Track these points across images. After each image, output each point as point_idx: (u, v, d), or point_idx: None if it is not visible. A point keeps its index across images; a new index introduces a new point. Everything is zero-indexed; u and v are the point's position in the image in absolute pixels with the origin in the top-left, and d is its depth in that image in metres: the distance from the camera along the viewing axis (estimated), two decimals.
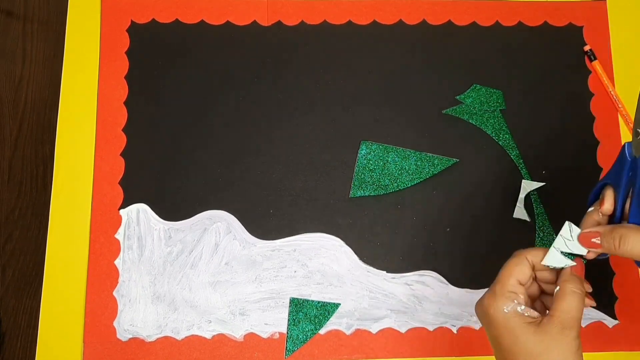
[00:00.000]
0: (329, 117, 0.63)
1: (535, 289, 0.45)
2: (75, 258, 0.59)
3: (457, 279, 0.60)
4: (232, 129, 0.62)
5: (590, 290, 0.44)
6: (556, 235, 0.44)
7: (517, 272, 0.42)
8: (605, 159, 0.64)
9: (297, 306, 0.58)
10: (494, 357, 0.43)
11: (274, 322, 0.58)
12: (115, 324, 0.57)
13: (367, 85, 0.64)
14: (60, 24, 1.38)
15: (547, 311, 0.41)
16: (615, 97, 0.65)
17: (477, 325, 0.59)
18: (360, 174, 0.62)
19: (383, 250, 0.60)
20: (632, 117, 0.65)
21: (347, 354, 0.58)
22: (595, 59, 0.66)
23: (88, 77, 0.63)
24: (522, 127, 0.64)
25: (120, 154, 0.61)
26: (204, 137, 0.62)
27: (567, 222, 0.44)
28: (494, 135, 0.64)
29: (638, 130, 0.44)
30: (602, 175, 0.63)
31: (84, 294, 0.58)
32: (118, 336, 0.57)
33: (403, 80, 0.65)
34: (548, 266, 0.43)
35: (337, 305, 0.59)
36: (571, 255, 0.43)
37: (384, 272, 0.60)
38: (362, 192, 0.61)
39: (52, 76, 1.36)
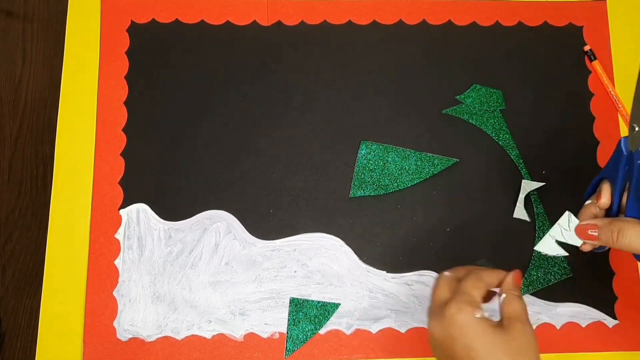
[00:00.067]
0: (329, 117, 0.63)
1: None
2: (75, 258, 0.59)
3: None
4: (232, 129, 0.62)
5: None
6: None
7: (479, 286, 0.46)
8: (605, 159, 0.64)
9: (297, 306, 0.58)
10: None
11: (274, 322, 0.58)
12: (115, 324, 0.57)
13: (367, 85, 0.64)
14: (60, 24, 1.38)
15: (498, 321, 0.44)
16: (615, 97, 0.65)
17: None
18: (360, 174, 0.62)
19: (383, 250, 0.60)
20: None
21: (347, 354, 0.58)
22: (595, 59, 0.66)
23: (88, 77, 0.63)
24: (522, 127, 0.64)
25: (120, 154, 0.61)
26: (204, 137, 0.62)
27: (566, 212, 0.45)
28: (494, 135, 0.64)
29: (634, 125, 0.44)
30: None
31: (84, 294, 0.58)
32: (118, 336, 0.57)
33: (403, 80, 0.65)
34: (540, 252, 0.44)
35: (337, 305, 0.59)
36: (565, 245, 0.44)
37: (384, 272, 0.60)
38: (362, 192, 0.61)
39: (52, 76, 1.36)
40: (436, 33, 0.66)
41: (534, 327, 0.59)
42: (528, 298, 0.60)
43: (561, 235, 0.44)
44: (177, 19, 0.65)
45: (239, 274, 0.59)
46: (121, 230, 0.59)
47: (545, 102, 0.65)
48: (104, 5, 0.65)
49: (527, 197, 0.62)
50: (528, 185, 0.62)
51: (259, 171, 0.62)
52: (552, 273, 0.60)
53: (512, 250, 0.61)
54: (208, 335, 0.57)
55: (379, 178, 0.62)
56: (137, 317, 0.57)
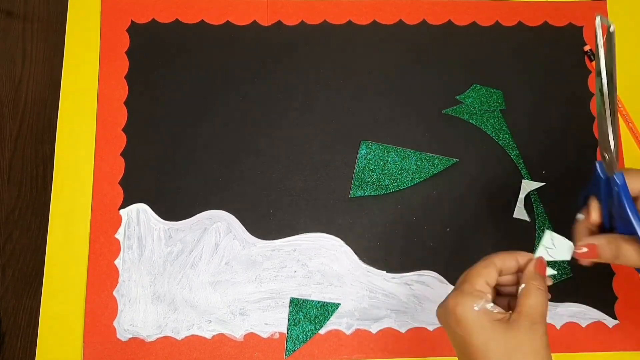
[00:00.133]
0: (329, 117, 0.63)
1: (493, 294, 0.45)
2: (75, 258, 0.59)
3: (457, 279, 0.60)
4: (232, 129, 0.62)
5: (555, 272, 0.45)
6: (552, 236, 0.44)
7: (486, 274, 0.42)
8: None
9: (297, 306, 0.58)
10: None
11: (274, 322, 0.58)
12: (115, 324, 0.57)
13: (367, 85, 0.64)
14: (60, 24, 1.38)
15: (509, 313, 0.41)
16: None
17: None
18: (360, 174, 0.62)
19: (383, 250, 0.60)
20: (632, 117, 0.65)
21: (347, 354, 0.58)
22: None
23: (88, 77, 0.63)
24: (522, 127, 0.64)
25: (120, 154, 0.61)
26: (204, 137, 0.62)
27: (547, 231, 0.45)
28: (494, 135, 0.64)
29: (604, 154, 0.44)
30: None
31: (84, 294, 0.58)
32: (118, 336, 0.57)
33: (403, 80, 0.65)
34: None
35: (337, 305, 0.59)
36: (554, 262, 0.44)
37: (384, 272, 0.60)
38: (362, 192, 0.61)
39: (52, 76, 1.36)
40: (436, 33, 0.66)
41: None
42: None
43: (548, 255, 0.44)
44: (177, 19, 0.65)
45: (239, 274, 0.59)
46: (121, 230, 0.59)
47: (545, 102, 0.65)
48: (104, 5, 0.65)
49: (527, 197, 0.62)
50: (528, 185, 0.62)
51: (259, 171, 0.62)
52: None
53: (512, 250, 0.61)
54: (208, 335, 0.57)
55: (379, 178, 0.62)
56: (137, 317, 0.57)
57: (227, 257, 0.59)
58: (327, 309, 0.58)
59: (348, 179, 0.62)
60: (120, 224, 0.59)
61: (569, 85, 0.66)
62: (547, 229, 0.61)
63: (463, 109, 0.64)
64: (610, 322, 0.60)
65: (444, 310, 0.42)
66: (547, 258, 0.44)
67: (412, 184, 0.62)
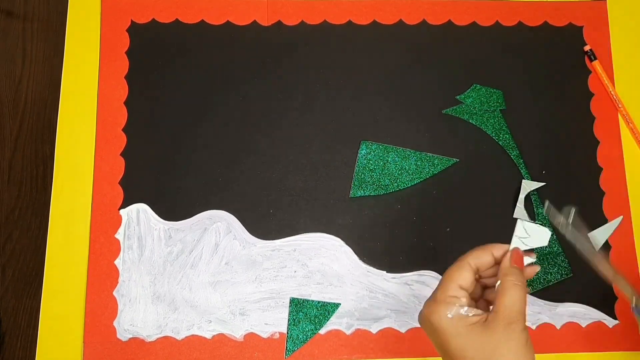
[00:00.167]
0: (329, 117, 0.63)
1: (478, 289, 0.44)
2: (75, 258, 0.59)
3: None
4: (232, 129, 0.62)
5: (534, 259, 0.43)
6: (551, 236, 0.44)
7: (458, 276, 0.41)
8: (605, 159, 0.64)
9: (297, 306, 0.58)
10: None
11: (274, 322, 0.58)
12: (115, 324, 0.57)
13: (367, 85, 0.64)
14: (60, 24, 1.38)
15: (491, 307, 0.40)
16: (615, 97, 0.65)
17: None
18: (360, 174, 0.62)
19: (383, 250, 0.60)
20: (632, 117, 0.65)
21: (347, 354, 0.58)
22: (595, 59, 0.66)
23: (88, 77, 0.63)
24: (522, 127, 0.64)
25: (120, 154, 0.61)
26: (204, 137, 0.62)
27: (519, 221, 0.44)
28: (494, 135, 0.64)
29: (631, 301, 0.45)
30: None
31: (84, 294, 0.58)
32: (118, 336, 0.57)
33: (403, 80, 0.65)
34: (539, 252, 0.43)
35: (337, 305, 0.59)
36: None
37: (384, 272, 0.60)
38: (362, 192, 0.61)
39: (52, 76, 1.36)
40: (436, 33, 0.66)
41: (534, 327, 0.59)
42: (528, 298, 0.60)
43: (523, 244, 0.43)
44: (177, 19, 0.65)
45: (239, 274, 0.59)
46: (121, 230, 0.59)
47: (545, 102, 0.65)
48: (104, 5, 0.65)
49: (527, 197, 0.62)
50: (528, 185, 0.62)
51: (259, 171, 0.62)
52: (552, 273, 0.60)
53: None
54: (208, 335, 0.57)
55: (379, 178, 0.62)
56: (137, 317, 0.57)
57: (227, 257, 0.59)
58: (327, 309, 0.58)
59: (348, 179, 0.62)
60: (120, 224, 0.59)
61: (569, 85, 0.66)
62: (547, 228, 0.61)
63: (463, 109, 0.64)
64: (610, 322, 0.60)
65: (422, 318, 0.42)
66: (523, 248, 0.43)
67: (412, 184, 0.62)
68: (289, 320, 0.58)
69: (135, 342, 0.57)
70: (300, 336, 0.58)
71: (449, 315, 0.40)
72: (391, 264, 0.60)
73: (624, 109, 0.65)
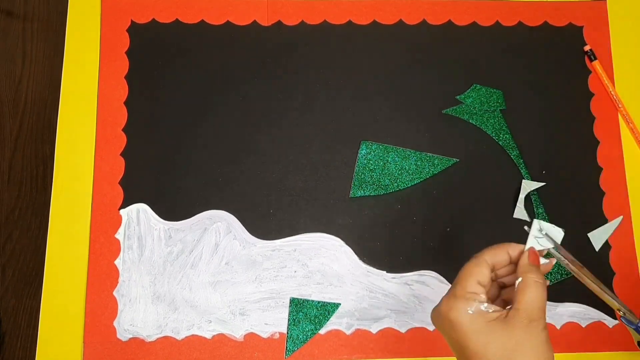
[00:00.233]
0: (329, 117, 0.63)
1: (495, 289, 0.44)
2: (75, 258, 0.59)
3: None
4: (232, 129, 0.62)
5: (547, 259, 0.43)
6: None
7: (477, 272, 0.41)
8: (605, 159, 0.64)
9: (297, 306, 0.58)
10: None
11: (274, 322, 0.58)
12: (115, 324, 0.57)
13: (367, 85, 0.64)
14: (60, 24, 1.38)
15: (508, 307, 0.40)
16: (615, 97, 0.65)
17: None
18: (360, 174, 0.62)
19: (383, 250, 0.60)
20: (632, 117, 0.65)
21: (347, 354, 0.58)
22: (595, 59, 0.66)
23: (88, 77, 0.63)
24: (522, 127, 0.64)
25: (120, 154, 0.61)
26: (204, 137, 0.62)
27: (535, 220, 0.44)
28: (494, 135, 0.64)
29: (618, 311, 0.45)
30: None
31: (84, 294, 0.58)
32: (118, 336, 0.57)
33: (403, 80, 0.65)
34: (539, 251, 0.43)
35: (337, 305, 0.59)
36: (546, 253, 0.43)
37: (384, 272, 0.60)
38: (362, 192, 0.61)
39: (52, 76, 1.36)
40: (436, 33, 0.66)
41: None
42: None
43: (538, 244, 0.43)
44: (177, 19, 0.65)
45: (239, 274, 0.59)
46: (121, 230, 0.59)
47: (545, 102, 0.65)
48: (104, 5, 0.65)
49: (527, 197, 0.62)
50: (528, 185, 0.62)
51: (259, 171, 0.62)
52: (552, 273, 0.60)
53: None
54: (208, 335, 0.57)
55: (379, 178, 0.62)
56: (137, 317, 0.57)
57: (227, 257, 0.59)
58: (327, 309, 0.58)
59: (348, 179, 0.62)
60: (120, 224, 0.59)
61: (569, 85, 0.66)
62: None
63: (463, 109, 0.64)
64: (610, 322, 0.60)
65: (438, 315, 0.41)
66: (538, 248, 0.43)
67: (412, 184, 0.62)
68: (289, 320, 0.58)
69: (135, 342, 0.57)
70: (300, 336, 0.58)
71: (470, 311, 0.39)
72: (391, 264, 0.60)
73: (624, 109, 0.65)
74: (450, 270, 0.60)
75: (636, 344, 0.49)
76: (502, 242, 0.61)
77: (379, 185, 0.61)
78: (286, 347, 0.57)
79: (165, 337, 0.57)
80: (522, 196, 0.62)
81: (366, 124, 0.63)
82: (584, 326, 0.59)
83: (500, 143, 0.64)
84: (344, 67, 0.65)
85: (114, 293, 0.58)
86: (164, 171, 0.61)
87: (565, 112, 0.65)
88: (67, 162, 0.61)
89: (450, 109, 0.64)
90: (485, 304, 0.39)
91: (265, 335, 0.58)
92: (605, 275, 0.61)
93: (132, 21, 0.65)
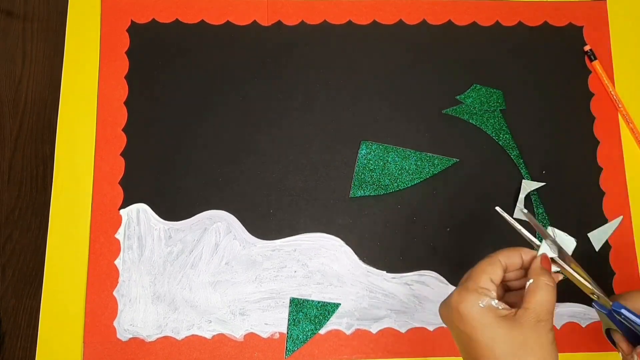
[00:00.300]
0: (329, 117, 0.63)
1: (500, 291, 0.45)
2: (75, 258, 0.59)
3: (457, 279, 0.60)
4: (232, 129, 0.62)
5: (559, 269, 0.45)
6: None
7: (491, 270, 0.42)
8: (605, 159, 0.64)
9: (297, 306, 0.58)
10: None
11: (274, 322, 0.58)
12: (115, 324, 0.57)
13: (367, 85, 0.64)
14: (60, 24, 1.38)
15: (515, 309, 0.41)
16: (615, 97, 0.65)
17: None
18: (360, 174, 0.62)
19: (383, 250, 0.60)
20: (632, 117, 0.65)
21: (347, 354, 0.58)
22: (595, 59, 0.66)
23: (88, 77, 0.63)
24: (522, 127, 0.64)
25: (120, 154, 0.61)
26: (204, 137, 0.62)
27: (549, 227, 0.45)
28: (494, 135, 0.64)
29: (592, 295, 0.46)
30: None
31: (84, 294, 0.58)
32: (118, 336, 0.57)
33: (403, 80, 0.65)
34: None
35: (337, 305, 0.59)
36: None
37: (384, 272, 0.60)
38: (362, 192, 0.61)
39: (52, 76, 1.36)
40: (436, 33, 0.66)
41: None
42: None
43: (550, 251, 0.44)
44: (177, 19, 0.65)
45: (239, 274, 0.59)
46: (121, 230, 0.59)
47: (545, 102, 0.65)
48: (104, 5, 0.65)
49: (527, 197, 0.62)
50: (528, 185, 0.62)
51: (259, 171, 0.62)
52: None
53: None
54: (208, 335, 0.57)
55: (379, 178, 0.62)
56: (137, 317, 0.57)
57: (227, 257, 0.59)
58: (327, 309, 0.58)
59: (348, 179, 0.62)
60: (120, 224, 0.59)
61: (569, 85, 0.66)
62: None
63: (463, 109, 0.64)
64: None
65: (447, 307, 0.42)
66: (550, 254, 0.44)
67: (412, 184, 0.62)
68: (289, 320, 0.58)
69: (135, 342, 0.57)
70: (300, 336, 0.58)
71: (481, 305, 0.40)
72: (391, 264, 0.60)
73: (624, 109, 0.65)
74: (451, 270, 0.60)
75: (604, 332, 0.48)
76: (502, 242, 0.61)
77: (379, 185, 0.61)
78: (286, 347, 0.57)
79: (165, 337, 0.57)
80: (522, 196, 0.62)
81: (366, 124, 0.63)
82: (584, 326, 0.59)
83: (500, 143, 0.64)
84: (344, 67, 0.65)
85: (114, 293, 0.58)
86: (164, 171, 0.61)
87: (565, 112, 0.65)
88: (67, 162, 0.61)
89: (450, 109, 0.64)
90: (496, 301, 0.40)
91: (265, 335, 0.58)
92: (605, 275, 0.61)
93: (132, 21, 0.65)
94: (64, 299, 0.58)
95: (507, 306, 0.41)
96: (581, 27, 0.68)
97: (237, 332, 0.58)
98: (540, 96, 0.65)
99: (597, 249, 0.61)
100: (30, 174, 1.31)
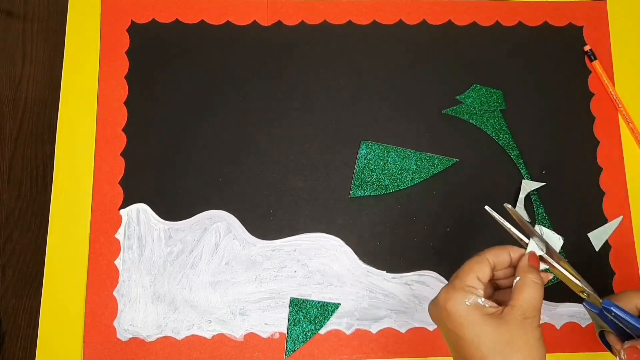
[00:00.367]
0: (329, 117, 0.63)
1: (489, 289, 0.45)
2: (75, 258, 0.59)
3: None
4: (232, 129, 0.63)
5: (547, 266, 0.45)
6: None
7: (478, 269, 0.42)
8: (605, 159, 0.64)
9: (297, 306, 0.58)
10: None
11: (274, 322, 0.58)
12: (115, 324, 0.57)
13: (367, 85, 0.64)
14: (60, 24, 1.38)
15: (502, 307, 0.41)
16: (615, 97, 0.65)
17: None
18: (360, 174, 0.62)
19: (383, 250, 0.60)
20: (632, 117, 0.65)
21: (347, 354, 0.58)
22: (595, 59, 0.66)
23: (88, 77, 0.63)
24: (522, 127, 0.64)
25: (120, 154, 0.61)
26: (204, 137, 0.62)
27: (537, 225, 0.45)
28: (494, 135, 0.64)
29: (582, 294, 0.46)
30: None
31: (84, 294, 0.58)
32: (118, 336, 0.57)
33: (403, 80, 0.65)
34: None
35: (337, 305, 0.59)
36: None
37: (384, 272, 0.60)
38: (362, 192, 0.61)
39: (52, 76, 1.36)
40: (436, 33, 0.66)
41: None
42: None
43: (538, 249, 0.44)
44: (177, 19, 0.65)
45: (239, 274, 0.59)
46: (121, 230, 0.59)
47: (545, 102, 0.65)
48: (104, 5, 0.65)
49: (527, 197, 0.62)
50: (528, 185, 0.62)
51: (259, 171, 0.62)
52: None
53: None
54: (208, 335, 0.57)
55: (379, 178, 0.62)
56: (137, 317, 0.57)
57: (227, 257, 0.59)
58: (327, 309, 0.58)
59: (348, 179, 0.62)
60: (120, 224, 0.59)
61: (569, 85, 0.66)
62: (547, 228, 0.61)
63: (463, 109, 0.64)
64: None
65: (435, 306, 0.42)
66: (538, 252, 0.44)
67: (412, 184, 0.62)
68: (289, 320, 0.58)
69: (135, 342, 0.57)
70: (300, 336, 0.58)
71: (467, 303, 0.40)
72: (391, 264, 0.60)
73: (624, 109, 0.65)
74: (451, 270, 0.60)
75: (597, 335, 0.48)
76: (501, 242, 0.61)
77: (379, 185, 0.61)
78: (286, 347, 0.57)
79: (165, 337, 0.57)
80: (522, 196, 0.62)
81: (366, 124, 0.63)
82: (583, 326, 0.59)
83: (500, 143, 0.64)
84: (344, 67, 0.65)
85: (114, 293, 0.58)
86: (164, 171, 0.61)
87: (565, 112, 0.65)
88: (67, 162, 0.61)
89: (450, 109, 0.64)
90: (483, 299, 0.41)
91: (265, 335, 0.58)
92: (605, 275, 0.61)
93: (132, 21, 0.65)
94: (64, 299, 0.58)
95: (494, 304, 0.41)
96: (581, 27, 0.68)
97: (237, 332, 0.58)
98: (540, 96, 0.65)
99: (597, 249, 0.61)
100: (30, 174, 1.31)
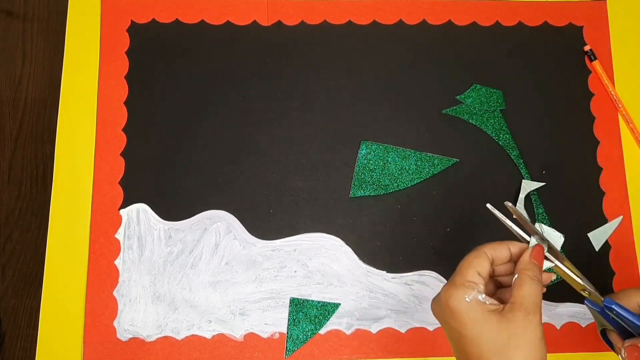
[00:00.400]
0: (329, 117, 0.63)
1: (492, 287, 0.45)
2: (75, 258, 0.59)
3: None
4: (232, 129, 0.63)
5: (552, 265, 0.45)
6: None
7: (476, 264, 0.42)
8: (605, 159, 0.64)
9: (297, 306, 0.58)
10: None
11: (274, 322, 0.58)
12: (115, 324, 0.57)
13: (367, 85, 0.64)
14: (60, 24, 1.38)
15: (504, 305, 0.41)
16: (615, 97, 0.65)
17: None
18: (360, 174, 0.62)
19: (383, 250, 0.60)
20: (632, 117, 0.65)
21: (347, 354, 0.58)
22: (595, 59, 0.66)
23: (88, 77, 0.63)
24: (522, 127, 0.64)
25: (120, 154, 0.61)
26: (204, 137, 0.62)
27: (537, 223, 0.45)
28: (494, 135, 0.64)
29: (584, 292, 0.46)
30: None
31: (84, 294, 0.58)
32: (118, 336, 0.57)
33: (403, 80, 0.65)
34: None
35: (337, 305, 0.59)
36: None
37: (384, 272, 0.60)
38: (362, 192, 0.61)
39: (52, 76, 1.36)
40: (436, 33, 0.66)
41: None
42: None
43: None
44: (177, 19, 0.65)
45: (239, 274, 0.59)
46: (121, 230, 0.59)
47: (545, 101, 0.65)
48: (104, 5, 0.65)
49: (527, 197, 0.62)
50: (528, 185, 0.62)
51: (259, 171, 0.62)
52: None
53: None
54: (208, 335, 0.57)
55: (379, 178, 0.62)
56: (137, 317, 0.57)
57: (227, 257, 0.59)
58: (327, 309, 0.58)
59: (348, 179, 0.62)
60: (120, 224, 0.59)
61: (569, 85, 0.66)
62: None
63: (463, 109, 0.64)
64: None
65: (437, 303, 0.42)
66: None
67: (412, 184, 0.62)
68: (289, 320, 0.58)
69: (135, 342, 0.57)
70: (300, 336, 0.58)
71: (467, 299, 0.40)
72: (391, 264, 0.60)
73: (624, 109, 0.65)
74: (451, 270, 0.59)
75: (599, 333, 0.48)
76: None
77: (379, 185, 0.61)
78: (286, 347, 0.57)
79: (165, 337, 0.57)
80: (522, 196, 0.62)
81: (366, 124, 0.63)
82: (584, 326, 0.59)
83: (500, 143, 0.64)
84: (344, 67, 0.65)
85: (114, 293, 0.58)
86: (164, 171, 0.61)
87: (565, 112, 0.65)
88: (67, 162, 0.61)
89: (450, 109, 0.64)
90: (484, 295, 0.41)
91: (265, 335, 0.58)
92: (605, 275, 0.61)
93: (132, 21, 0.65)
94: (64, 299, 0.58)
95: (494, 301, 0.41)
96: (581, 27, 0.68)
97: (237, 332, 0.58)
98: (540, 96, 0.65)
99: (597, 249, 0.61)
100: (30, 174, 1.31)
